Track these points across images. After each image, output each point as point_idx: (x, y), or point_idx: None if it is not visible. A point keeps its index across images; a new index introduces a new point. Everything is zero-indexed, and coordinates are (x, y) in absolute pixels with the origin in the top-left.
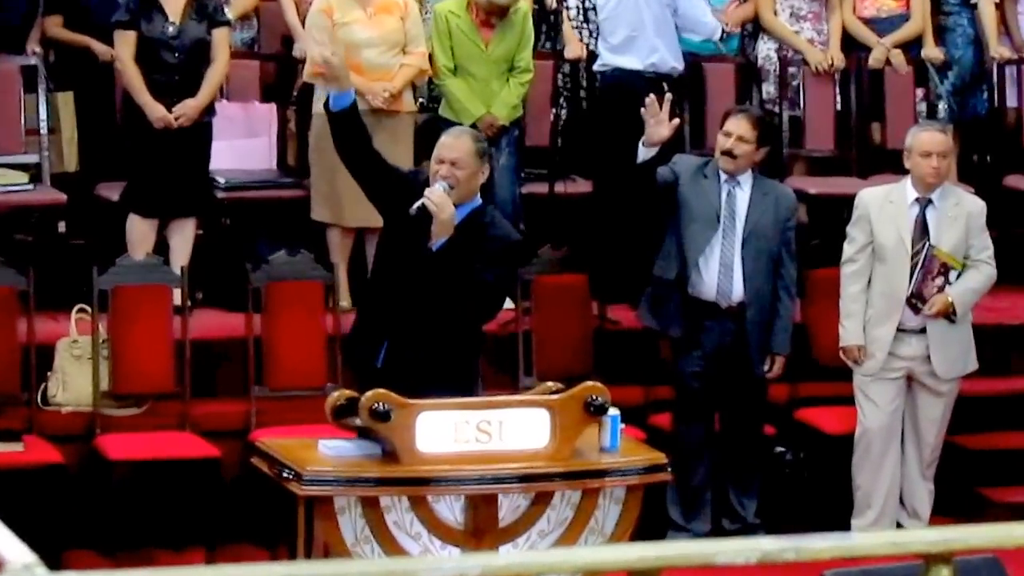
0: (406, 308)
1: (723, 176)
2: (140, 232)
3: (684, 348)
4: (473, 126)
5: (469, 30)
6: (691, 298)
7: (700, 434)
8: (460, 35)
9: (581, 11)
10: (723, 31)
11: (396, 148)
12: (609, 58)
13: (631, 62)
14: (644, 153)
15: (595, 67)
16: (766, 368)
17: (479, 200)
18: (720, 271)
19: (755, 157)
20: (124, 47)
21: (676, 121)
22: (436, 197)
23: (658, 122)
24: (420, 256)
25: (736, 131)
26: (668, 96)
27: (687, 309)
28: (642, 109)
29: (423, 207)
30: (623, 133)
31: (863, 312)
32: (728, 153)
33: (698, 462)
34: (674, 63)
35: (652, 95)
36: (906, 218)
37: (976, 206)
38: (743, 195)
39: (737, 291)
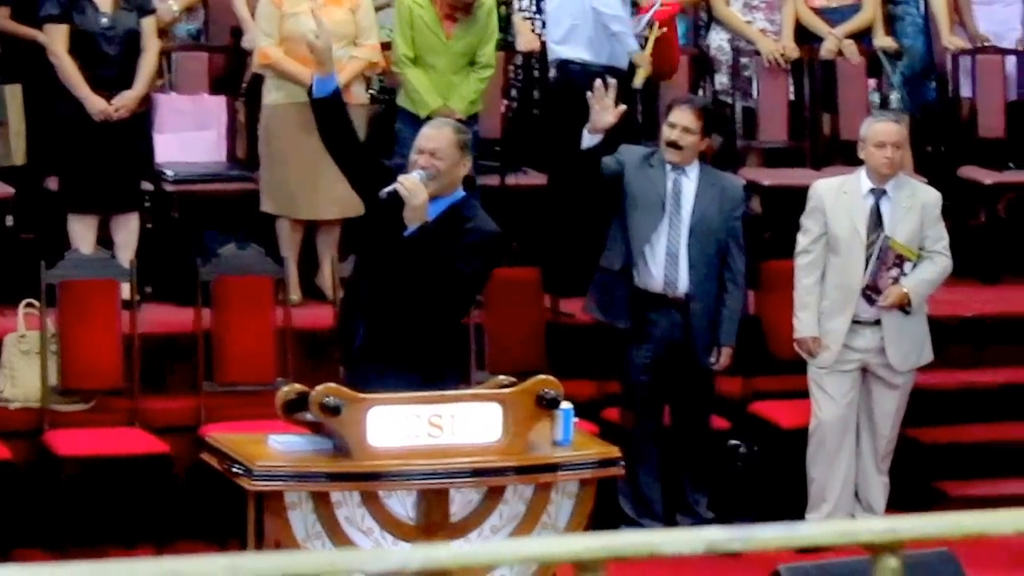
0: (380, 292)
1: (669, 165)
2: (79, 230)
3: (632, 340)
4: (429, 117)
5: (432, 21)
6: (638, 289)
7: (649, 427)
8: (422, 25)
9: (534, 1)
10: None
11: None
12: (557, 50)
13: (578, 53)
14: (589, 139)
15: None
16: (712, 360)
17: (461, 192)
18: (666, 261)
19: (701, 147)
20: (58, 41)
21: (622, 108)
22: (409, 183)
23: (603, 108)
24: (394, 242)
25: (680, 122)
26: (612, 82)
27: (634, 301)
28: (588, 94)
29: (394, 192)
30: (572, 125)
31: (817, 304)
32: (673, 144)
33: (648, 455)
34: (621, 54)
35: (599, 80)
36: (860, 209)
37: (931, 197)
38: (689, 184)
39: (683, 281)
